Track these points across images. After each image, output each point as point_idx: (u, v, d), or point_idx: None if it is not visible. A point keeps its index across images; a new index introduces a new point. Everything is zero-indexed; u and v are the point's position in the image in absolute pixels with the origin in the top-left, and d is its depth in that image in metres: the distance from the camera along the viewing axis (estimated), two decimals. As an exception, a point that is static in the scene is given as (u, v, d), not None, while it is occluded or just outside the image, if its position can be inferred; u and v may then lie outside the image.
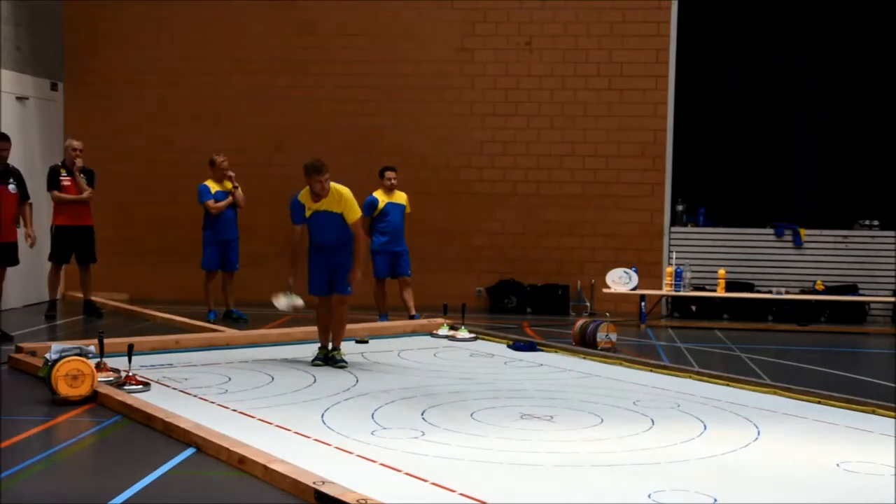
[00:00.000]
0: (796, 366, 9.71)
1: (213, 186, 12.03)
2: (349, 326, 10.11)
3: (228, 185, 12.04)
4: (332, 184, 8.85)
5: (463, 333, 10.67)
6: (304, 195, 8.93)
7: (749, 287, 13.29)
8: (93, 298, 12.40)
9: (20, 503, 5.18)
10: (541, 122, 13.78)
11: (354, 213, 8.89)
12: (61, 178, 11.93)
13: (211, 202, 11.94)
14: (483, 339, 10.67)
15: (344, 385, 8.09)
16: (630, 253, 13.55)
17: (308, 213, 8.90)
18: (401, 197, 11.79)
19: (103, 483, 5.49)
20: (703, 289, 13.17)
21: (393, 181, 11.68)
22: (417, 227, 12.46)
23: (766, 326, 12.73)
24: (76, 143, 12.05)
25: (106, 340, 7.98)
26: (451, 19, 13.87)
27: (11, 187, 10.76)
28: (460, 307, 11.01)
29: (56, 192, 11.91)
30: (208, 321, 11.45)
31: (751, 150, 13.90)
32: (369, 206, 11.57)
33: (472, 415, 7.07)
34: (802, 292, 13.16)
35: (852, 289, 13.19)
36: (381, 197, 11.65)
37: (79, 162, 11.99)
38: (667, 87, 13.58)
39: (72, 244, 12.05)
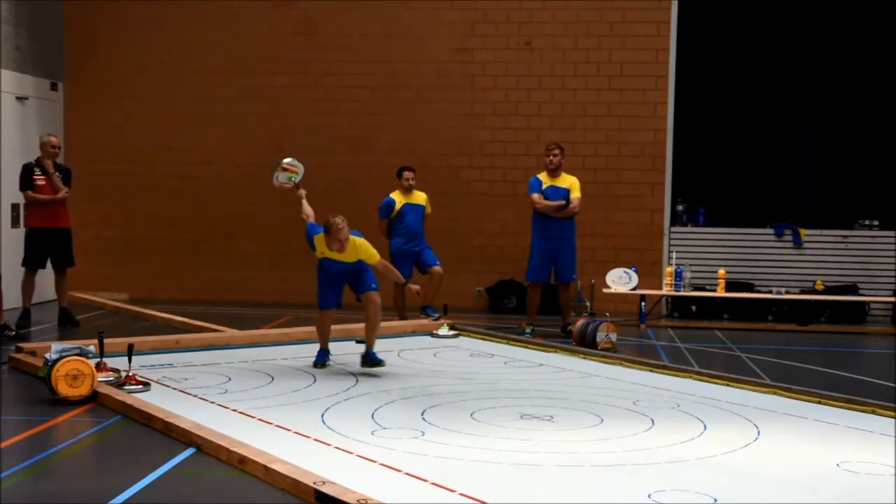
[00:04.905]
0: (796, 366, 9.71)
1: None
2: (350, 326, 10.14)
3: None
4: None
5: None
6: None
7: (749, 287, 13.28)
8: (67, 306, 11.58)
9: (20, 503, 5.18)
10: (541, 122, 13.77)
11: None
12: (35, 176, 11.09)
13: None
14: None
15: (344, 385, 8.10)
16: (630, 253, 13.55)
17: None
18: (419, 197, 11.48)
19: (103, 483, 5.49)
20: (703, 289, 13.16)
21: (411, 181, 11.36)
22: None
23: (766, 326, 12.72)
24: (55, 140, 11.26)
25: (106, 340, 7.97)
26: (451, 19, 13.86)
27: None
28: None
29: (29, 193, 11.08)
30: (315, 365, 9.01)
31: (751, 150, 13.90)
32: (386, 207, 11.35)
33: (472, 415, 7.07)
34: (802, 292, 13.16)
35: (852, 289, 13.19)
36: (398, 198, 11.36)
37: (51, 160, 11.15)
38: (667, 87, 13.57)
39: (47, 248, 11.26)
